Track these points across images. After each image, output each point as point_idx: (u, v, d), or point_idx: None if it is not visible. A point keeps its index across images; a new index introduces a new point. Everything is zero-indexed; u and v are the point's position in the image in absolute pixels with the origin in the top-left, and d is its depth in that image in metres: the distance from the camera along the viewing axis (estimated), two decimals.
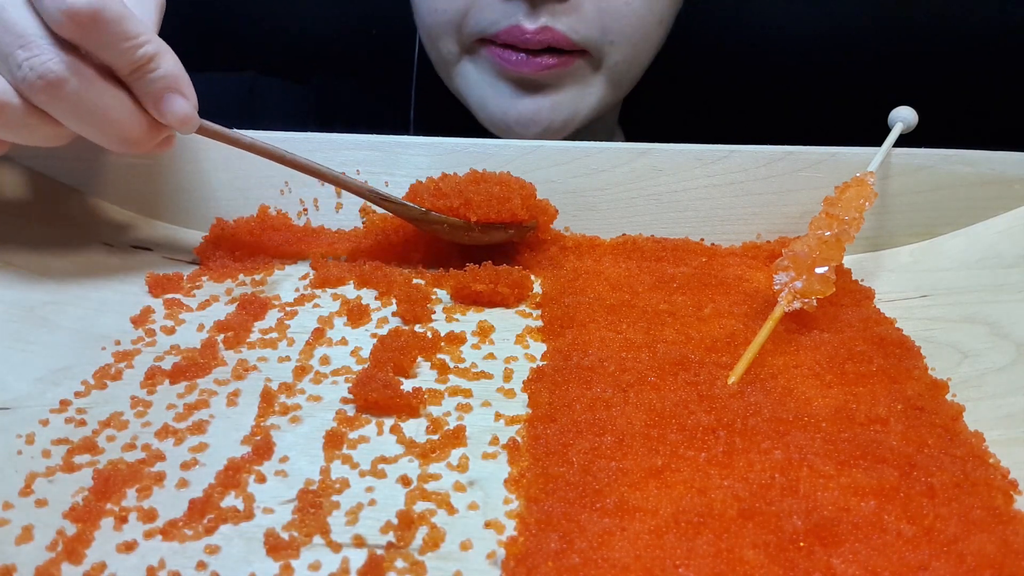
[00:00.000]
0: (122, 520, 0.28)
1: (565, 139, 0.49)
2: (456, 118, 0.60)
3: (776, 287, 0.38)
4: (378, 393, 0.33)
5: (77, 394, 0.34)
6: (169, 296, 0.41)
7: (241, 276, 0.43)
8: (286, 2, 0.72)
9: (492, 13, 0.48)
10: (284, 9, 0.71)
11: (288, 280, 0.43)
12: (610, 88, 0.53)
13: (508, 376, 0.36)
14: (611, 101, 0.55)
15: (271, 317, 0.40)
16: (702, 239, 0.46)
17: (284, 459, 0.31)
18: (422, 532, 0.27)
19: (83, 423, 0.32)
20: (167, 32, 0.37)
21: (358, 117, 0.67)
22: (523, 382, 0.35)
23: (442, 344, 0.38)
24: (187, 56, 0.36)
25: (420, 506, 0.29)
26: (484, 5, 0.49)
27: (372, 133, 0.46)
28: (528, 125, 0.52)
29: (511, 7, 0.48)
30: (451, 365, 0.36)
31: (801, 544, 0.26)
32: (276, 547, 0.27)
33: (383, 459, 0.31)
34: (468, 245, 0.43)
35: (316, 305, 0.41)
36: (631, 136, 0.66)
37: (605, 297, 0.40)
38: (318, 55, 0.72)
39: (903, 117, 0.45)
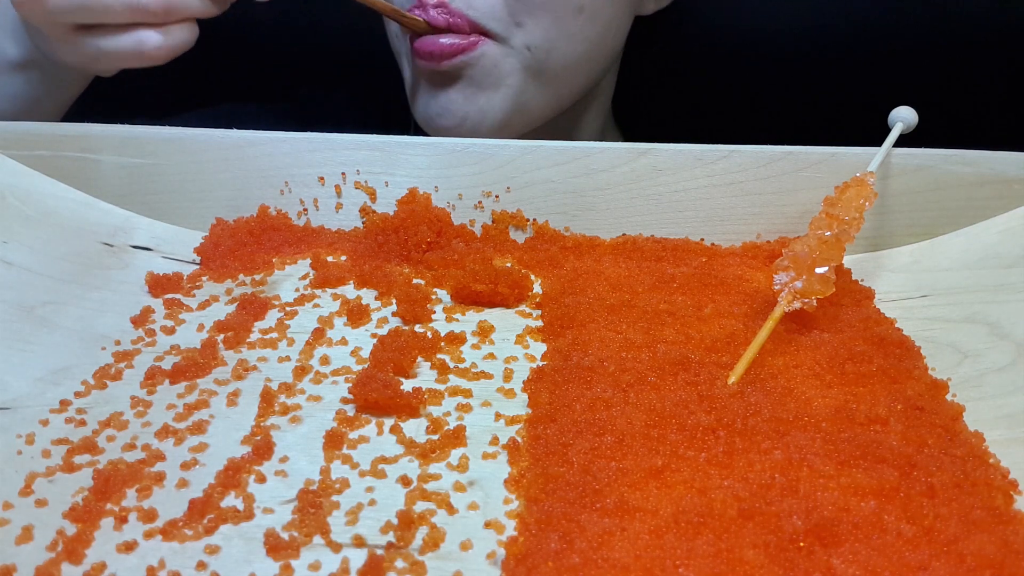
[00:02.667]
0: (122, 520, 0.28)
1: (558, 136, 0.49)
2: None
3: (776, 287, 0.38)
4: (378, 393, 0.33)
5: (77, 394, 0.34)
6: (169, 296, 0.41)
7: (241, 276, 0.43)
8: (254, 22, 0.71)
9: None
10: (256, 30, 0.71)
11: (288, 280, 0.43)
12: (529, 79, 0.52)
13: (508, 376, 0.36)
14: (542, 98, 0.53)
15: (271, 317, 0.40)
16: (702, 239, 0.46)
17: (284, 459, 0.31)
18: (422, 532, 0.27)
19: (83, 423, 0.32)
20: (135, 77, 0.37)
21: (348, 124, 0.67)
22: (523, 382, 0.35)
23: (442, 344, 0.38)
24: (160, 98, 0.36)
25: (420, 506, 0.29)
26: None
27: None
28: (445, 116, 0.52)
29: None
30: (451, 365, 0.36)
31: (801, 544, 0.26)
32: (276, 547, 0.27)
33: (383, 459, 0.31)
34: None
35: (316, 305, 0.41)
36: (629, 137, 0.66)
37: (605, 297, 0.40)
38: (297, 69, 0.72)
39: (903, 117, 0.45)
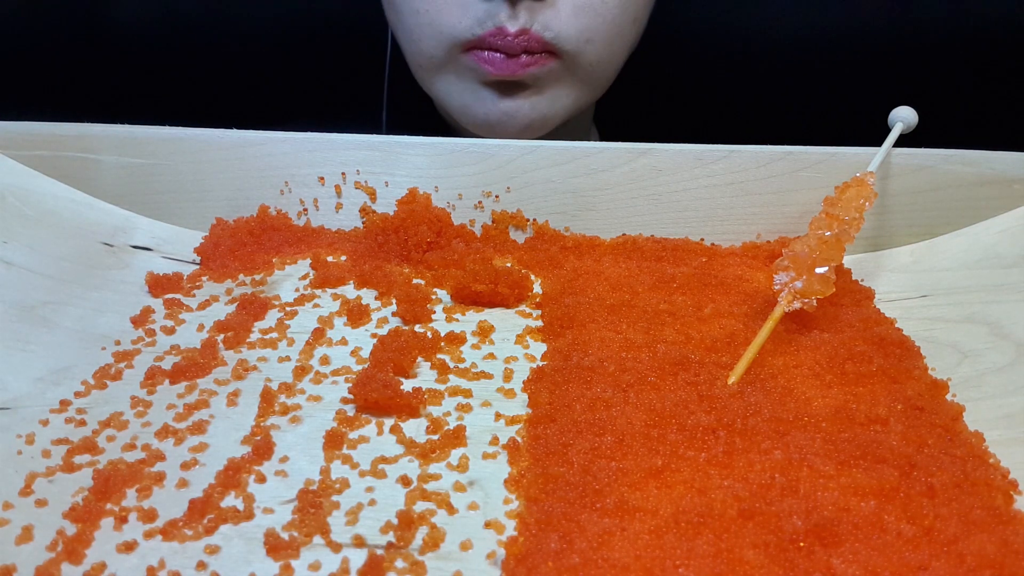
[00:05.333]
0: (122, 520, 0.28)
1: (555, 139, 0.49)
2: (430, 119, 0.60)
3: (776, 287, 0.38)
4: (378, 393, 0.33)
5: (77, 394, 0.34)
6: (169, 296, 0.41)
7: (241, 276, 0.43)
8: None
9: (475, 12, 0.48)
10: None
11: (288, 280, 0.43)
12: (585, 87, 0.53)
13: (508, 376, 0.36)
14: (587, 100, 0.55)
15: (271, 317, 0.40)
16: (702, 239, 0.46)
17: (284, 459, 0.31)
18: (422, 532, 0.27)
19: (83, 423, 0.32)
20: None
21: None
22: (523, 382, 0.35)
23: (442, 344, 0.38)
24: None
25: (420, 506, 0.29)
26: (466, 5, 0.49)
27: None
28: (508, 123, 0.52)
29: (492, 6, 0.48)
30: (451, 365, 0.36)
31: (801, 544, 0.26)
32: (276, 547, 0.27)
33: (383, 459, 0.31)
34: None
35: (316, 305, 0.41)
36: (621, 136, 0.66)
37: (605, 297, 0.40)
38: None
39: (903, 117, 0.45)
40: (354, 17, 0.70)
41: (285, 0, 0.71)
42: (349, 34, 0.71)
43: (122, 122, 0.46)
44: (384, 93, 0.68)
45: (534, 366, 0.36)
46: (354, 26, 0.70)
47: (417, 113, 0.62)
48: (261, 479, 0.30)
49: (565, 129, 0.56)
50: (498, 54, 0.49)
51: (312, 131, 0.46)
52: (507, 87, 0.51)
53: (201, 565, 0.26)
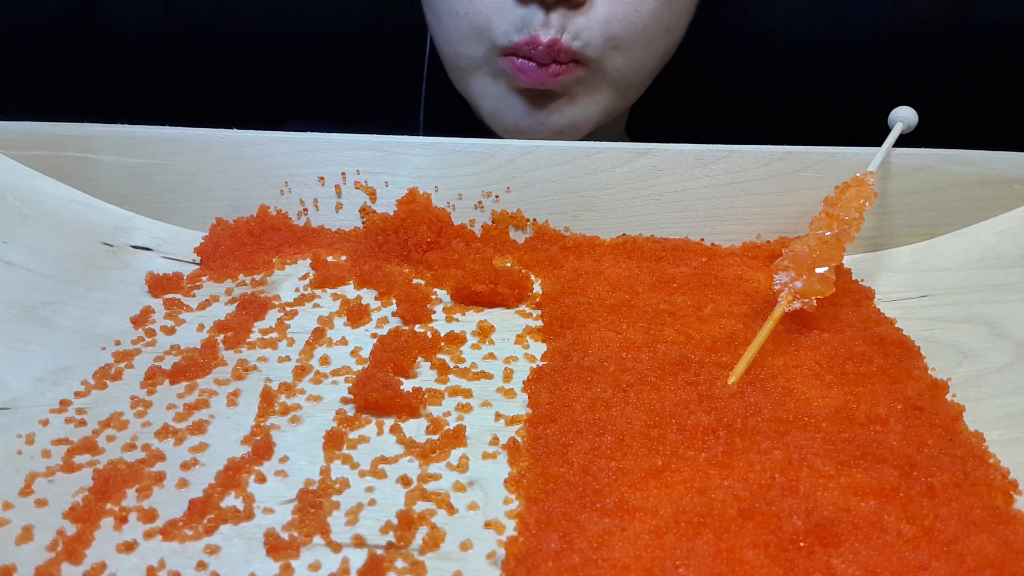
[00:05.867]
0: (122, 520, 0.28)
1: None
2: (467, 119, 0.60)
3: (776, 287, 0.38)
4: (378, 393, 0.33)
5: (77, 394, 0.34)
6: (169, 296, 0.41)
7: (241, 276, 0.43)
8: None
9: (511, 18, 0.49)
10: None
11: (288, 280, 0.43)
12: (615, 93, 0.54)
13: (508, 376, 0.36)
14: (618, 107, 0.55)
15: (271, 317, 0.40)
16: (702, 239, 0.46)
17: (284, 459, 0.31)
18: (422, 532, 0.27)
19: (83, 423, 0.32)
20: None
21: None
22: (523, 382, 0.35)
23: (442, 344, 0.38)
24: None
25: (420, 506, 0.29)
26: (504, 10, 0.49)
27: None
28: (539, 131, 0.53)
29: (528, 12, 0.48)
30: (451, 365, 0.36)
31: (801, 544, 0.26)
32: (276, 547, 0.27)
33: (383, 459, 0.31)
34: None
35: (316, 305, 0.41)
36: (632, 134, 0.66)
37: (605, 297, 0.40)
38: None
39: (903, 117, 0.45)
40: (393, 21, 0.70)
41: (325, 2, 0.71)
42: (387, 37, 0.71)
43: (122, 122, 0.46)
44: (422, 96, 0.68)
45: (534, 366, 0.36)
46: (393, 29, 0.71)
47: (454, 115, 0.62)
48: (261, 479, 0.30)
49: (597, 138, 0.57)
50: (531, 63, 0.49)
51: (356, 133, 0.46)
52: (537, 96, 0.52)
53: (201, 565, 0.26)
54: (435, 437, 0.32)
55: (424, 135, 0.46)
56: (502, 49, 0.50)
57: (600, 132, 0.56)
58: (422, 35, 0.63)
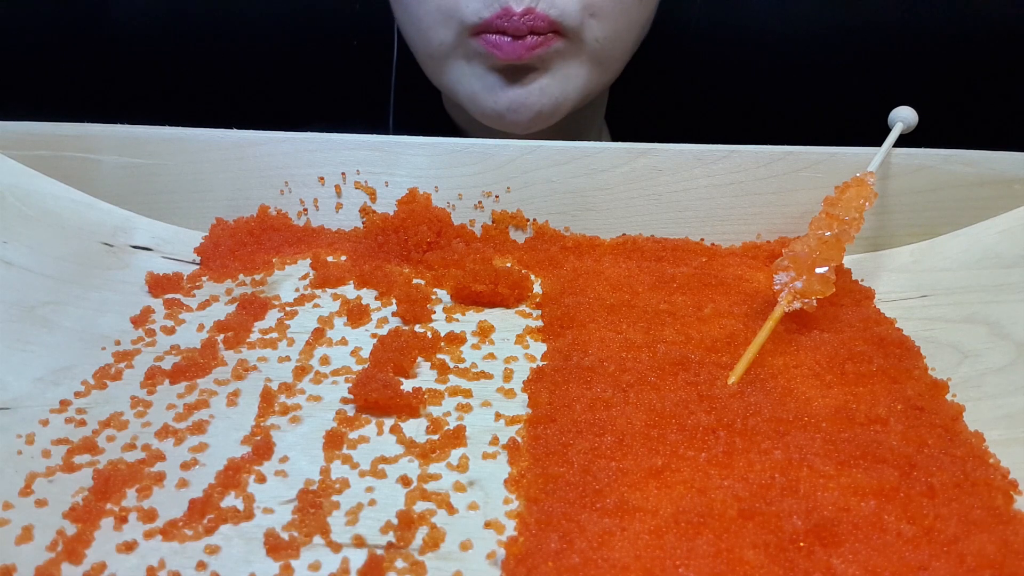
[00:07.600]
0: (122, 520, 0.28)
1: (561, 135, 0.49)
2: (438, 119, 0.60)
3: (776, 287, 0.38)
4: (378, 393, 0.33)
5: (77, 394, 0.34)
6: (169, 296, 0.41)
7: (241, 276, 0.43)
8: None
9: None
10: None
11: (288, 280, 0.43)
12: (595, 67, 0.53)
13: (508, 376, 0.36)
14: (598, 84, 0.54)
15: (271, 317, 0.40)
16: (702, 239, 0.46)
17: (284, 459, 0.31)
18: (422, 532, 0.27)
19: (83, 423, 0.32)
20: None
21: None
22: (523, 382, 0.35)
23: (442, 344, 0.38)
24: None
25: (420, 506, 0.29)
26: None
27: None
28: (519, 111, 0.51)
29: None
30: (451, 365, 0.36)
31: (801, 544, 0.26)
32: (276, 547, 0.27)
33: (383, 459, 0.31)
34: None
35: (316, 305, 0.41)
36: (623, 137, 0.66)
37: (605, 297, 0.40)
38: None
39: (903, 117, 0.45)
40: (360, 17, 0.70)
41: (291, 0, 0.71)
42: (355, 34, 0.71)
43: (122, 122, 0.46)
44: (391, 93, 0.68)
45: (534, 366, 0.36)
46: (360, 26, 0.70)
47: (424, 113, 0.62)
48: (261, 479, 0.30)
49: (576, 123, 0.56)
50: (505, 37, 0.48)
51: (318, 131, 0.46)
52: (515, 72, 0.50)
53: (201, 565, 0.26)
54: (435, 437, 0.32)
55: (393, 134, 0.46)
56: (473, 28, 0.49)
57: (579, 118, 0.55)
58: (389, 34, 0.63)
